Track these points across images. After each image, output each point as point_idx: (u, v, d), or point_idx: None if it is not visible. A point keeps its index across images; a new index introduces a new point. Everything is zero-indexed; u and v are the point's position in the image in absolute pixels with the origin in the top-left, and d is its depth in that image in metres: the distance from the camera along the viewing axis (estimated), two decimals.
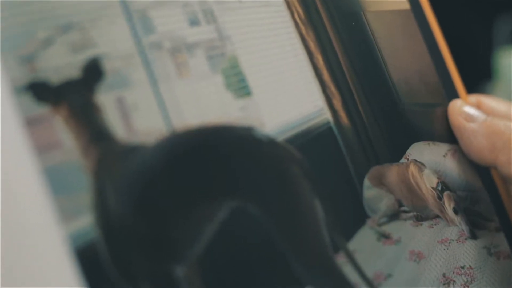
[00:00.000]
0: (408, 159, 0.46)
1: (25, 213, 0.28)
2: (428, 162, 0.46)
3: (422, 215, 0.45)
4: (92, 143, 0.40)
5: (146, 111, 0.37)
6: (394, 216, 0.45)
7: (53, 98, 0.39)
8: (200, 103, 0.39)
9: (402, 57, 0.47)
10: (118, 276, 0.38)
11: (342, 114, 0.45)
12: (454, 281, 0.43)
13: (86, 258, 0.33)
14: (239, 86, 0.42)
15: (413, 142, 0.46)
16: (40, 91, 0.38)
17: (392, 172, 0.45)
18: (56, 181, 0.32)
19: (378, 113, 0.46)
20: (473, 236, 0.46)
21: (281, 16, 0.46)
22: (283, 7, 0.44)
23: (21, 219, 0.28)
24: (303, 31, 0.44)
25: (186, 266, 0.42)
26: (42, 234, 0.28)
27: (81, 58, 0.36)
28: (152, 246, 0.42)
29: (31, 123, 0.32)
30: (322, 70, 0.44)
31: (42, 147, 0.31)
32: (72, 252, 0.29)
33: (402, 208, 0.45)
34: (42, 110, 0.34)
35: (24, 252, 0.27)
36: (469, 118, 0.45)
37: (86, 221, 0.35)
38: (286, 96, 0.45)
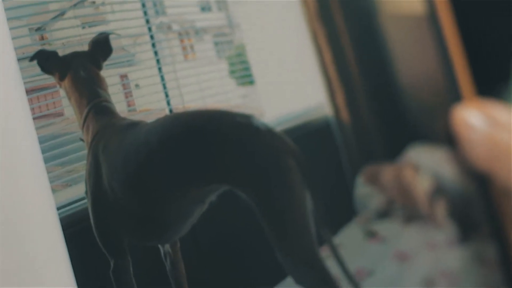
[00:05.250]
0: (404, 160, 0.46)
1: (19, 177, 0.29)
2: (425, 164, 0.47)
3: (411, 216, 0.46)
4: (92, 116, 0.41)
5: (148, 90, 0.38)
6: (383, 215, 0.45)
7: (59, 68, 0.40)
8: (202, 87, 0.40)
9: (411, 57, 0.47)
10: (101, 247, 0.39)
11: (343, 109, 0.45)
12: (436, 283, 0.44)
13: (75, 226, 0.34)
14: (243, 74, 0.43)
15: (412, 143, 0.47)
16: (47, 60, 0.39)
17: (386, 172, 0.46)
18: (53, 149, 0.33)
19: (380, 111, 0.46)
20: (461, 241, 0.46)
21: (293, 8, 0.46)
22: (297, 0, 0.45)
23: (15, 182, 0.29)
24: (315, 25, 0.44)
25: (169, 245, 0.44)
26: (33, 199, 0.29)
27: (91, 33, 0.36)
28: (139, 223, 0.43)
29: (34, 92, 0.33)
30: (329, 65, 0.44)
31: (43, 116, 0.32)
32: (61, 219, 0.30)
33: (392, 208, 0.46)
34: (46, 79, 0.35)
35: (15, 214, 0.28)
36: (470, 125, 0.45)
37: (79, 191, 0.36)
38: (289, 87, 0.45)
